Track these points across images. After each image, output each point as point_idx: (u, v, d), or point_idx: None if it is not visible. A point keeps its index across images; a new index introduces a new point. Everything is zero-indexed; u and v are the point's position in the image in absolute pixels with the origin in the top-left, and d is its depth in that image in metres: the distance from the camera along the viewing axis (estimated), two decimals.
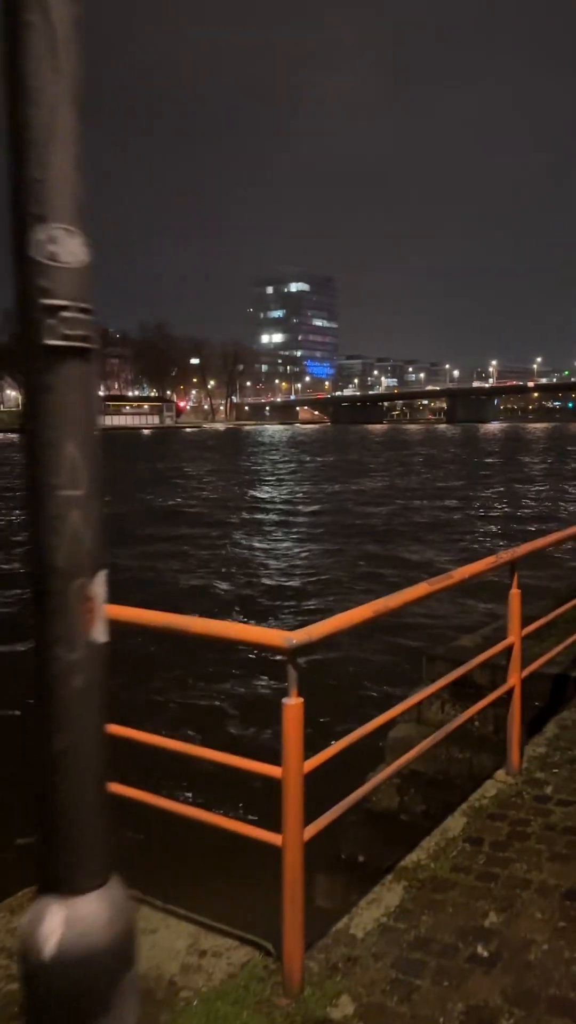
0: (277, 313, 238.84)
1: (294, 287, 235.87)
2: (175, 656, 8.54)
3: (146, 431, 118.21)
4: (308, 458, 53.46)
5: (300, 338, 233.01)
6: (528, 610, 6.39)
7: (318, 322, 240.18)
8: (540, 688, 4.91)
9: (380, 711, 2.88)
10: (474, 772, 4.64)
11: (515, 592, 3.76)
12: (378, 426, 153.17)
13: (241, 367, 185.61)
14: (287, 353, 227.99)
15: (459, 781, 4.69)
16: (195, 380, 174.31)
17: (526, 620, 4.28)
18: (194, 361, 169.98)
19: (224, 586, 13.25)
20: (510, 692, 3.79)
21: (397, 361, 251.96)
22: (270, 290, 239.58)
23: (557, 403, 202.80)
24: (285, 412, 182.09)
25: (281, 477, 37.23)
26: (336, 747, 2.49)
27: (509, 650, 3.80)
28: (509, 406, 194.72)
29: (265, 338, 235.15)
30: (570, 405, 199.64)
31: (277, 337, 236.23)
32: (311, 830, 2.37)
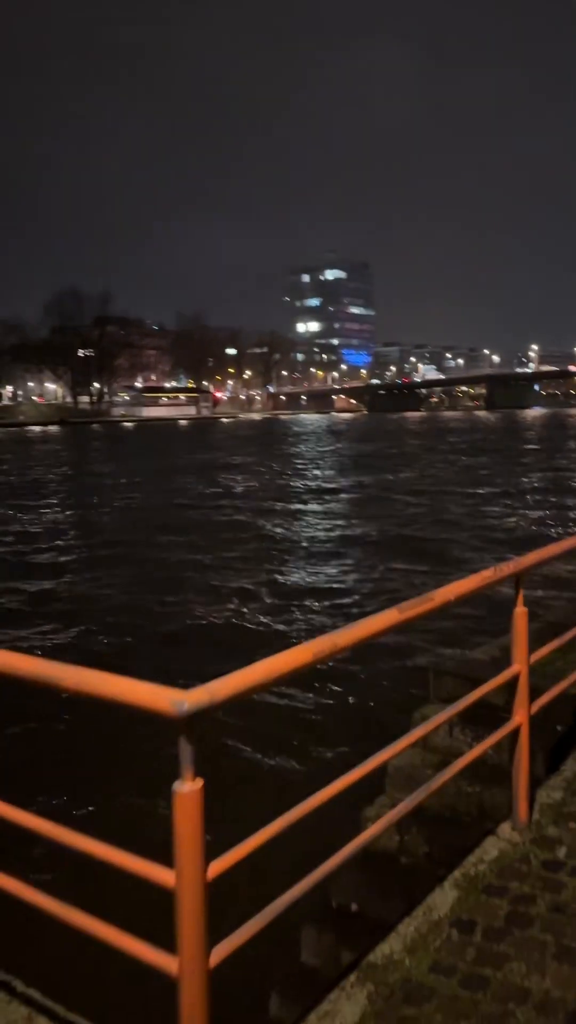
0: (313, 301, 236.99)
1: (330, 274, 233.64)
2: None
3: (183, 422, 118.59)
4: (343, 446, 52.69)
5: (336, 326, 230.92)
6: (546, 618, 5.70)
7: (355, 309, 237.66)
8: (561, 713, 4.25)
9: (348, 764, 2.28)
10: (485, 809, 4.01)
11: (521, 611, 3.12)
12: (416, 414, 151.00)
13: (277, 356, 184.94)
14: (323, 342, 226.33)
15: (467, 820, 4.07)
16: (231, 370, 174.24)
17: (539, 638, 3.64)
18: (231, 351, 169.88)
19: (201, 607, 11.55)
20: (517, 729, 3.16)
21: (435, 347, 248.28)
22: (306, 278, 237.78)
23: None
24: (322, 401, 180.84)
25: (311, 471, 36.63)
26: (259, 837, 1.89)
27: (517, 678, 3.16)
28: (551, 391, 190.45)
29: (301, 327, 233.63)
30: None
31: (313, 326, 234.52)
32: (220, 952, 1.79)
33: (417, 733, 2.51)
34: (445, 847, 3.88)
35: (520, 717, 3.14)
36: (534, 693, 3.19)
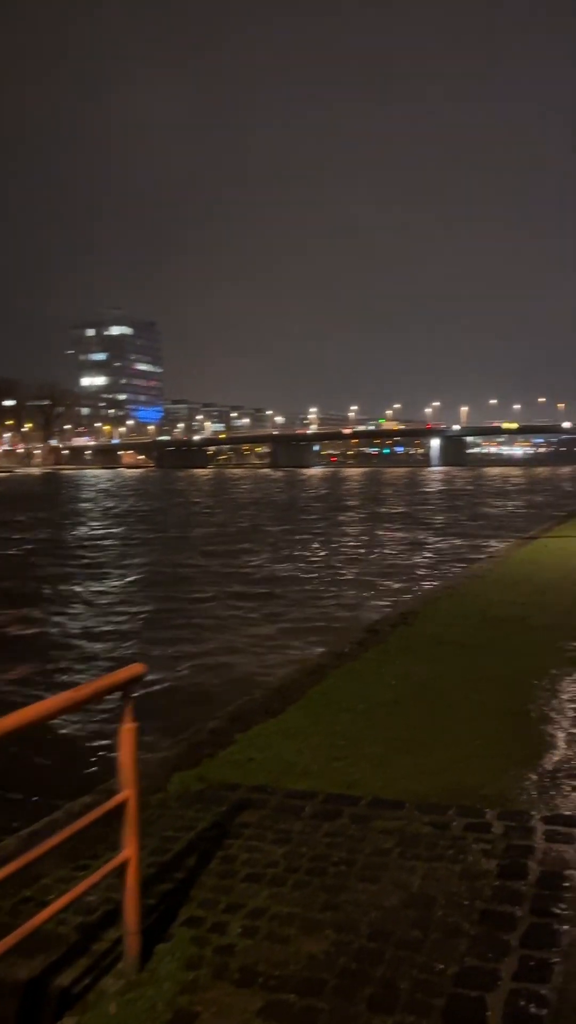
0: (99, 356, 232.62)
1: (116, 330, 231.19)
2: None
3: None
4: (122, 505, 50.38)
5: (124, 382, 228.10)
6: None
7: (142, 366, 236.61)
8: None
9: None
10: None
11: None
12: (203, 471, 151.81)
13: (61, 409, 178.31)
14: (110, 396, 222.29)
15: None
16: (10, 422, 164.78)
17: None
18: (8, 402, 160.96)
19: None
20: None
21: (223, 407, 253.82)
22: (91, 332, 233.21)
23: (374, 449, 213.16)
24: (108, 456, 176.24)
25: (83, 528, 34.05)
26: None
27: None
28: (329, 451, 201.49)
29: (87, 381, 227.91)
30: (385, 451, 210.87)
31: (99, 380, 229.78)
32: None
33: None
34: None
35: None
36: None
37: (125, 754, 2.57)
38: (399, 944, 2.65)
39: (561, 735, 4.47)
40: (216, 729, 4.97)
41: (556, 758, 4.13)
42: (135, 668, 2.61)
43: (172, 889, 3.10)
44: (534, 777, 3.90)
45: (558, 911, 2.75)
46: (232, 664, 10.42)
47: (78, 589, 17.40)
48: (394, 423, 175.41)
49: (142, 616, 14.15)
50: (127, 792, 2.57)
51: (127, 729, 2.57)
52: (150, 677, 9.86)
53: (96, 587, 17.81)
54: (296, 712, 5.21)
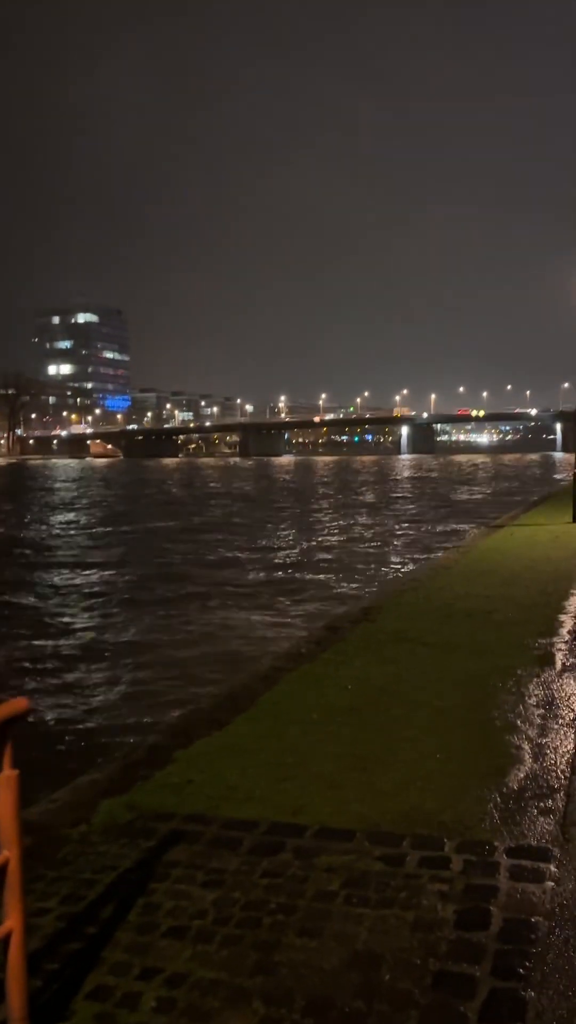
0: (65, 344, 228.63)
1: (82, 318, 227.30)
2: None
3: None
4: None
5: (90, 370, 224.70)
6: None
7: (109, 354, 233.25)
8: None
9: None
10: None
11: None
12: (173, 460, 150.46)
13: (26, 399, 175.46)
14: (77, 385, 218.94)
15: None
16: None
17: None
18: None
19: None
20: None
21: (192, 395, 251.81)
22: (56, 320, 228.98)
23: (344, 437, 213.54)
24: (75, 445, 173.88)
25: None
26: None
27: None
28: (300, 440, 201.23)
29: (52, 369, 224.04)
30: (355, 439, 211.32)
31: (65, 368, 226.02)
32: None
33: None
34: None
35: None
36: None
37: (4, 808, 2.12)
38: (339, 1019, 2.25)
39: (527, 747, 4.11)
40: (155, 745, 4.54)
41: (522, 775, 3.77)
42: (16, 704, 2.15)
43: (80, 949, 2.67)
44: (498, 799, 3.53)
45: (523, 971, 2.37)
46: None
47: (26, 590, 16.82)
48: (401, 408, 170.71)
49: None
50: (7, 853, 2.12)
51: (6, 778, 2.11)
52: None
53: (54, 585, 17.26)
54: (244, 723, 4.79)
